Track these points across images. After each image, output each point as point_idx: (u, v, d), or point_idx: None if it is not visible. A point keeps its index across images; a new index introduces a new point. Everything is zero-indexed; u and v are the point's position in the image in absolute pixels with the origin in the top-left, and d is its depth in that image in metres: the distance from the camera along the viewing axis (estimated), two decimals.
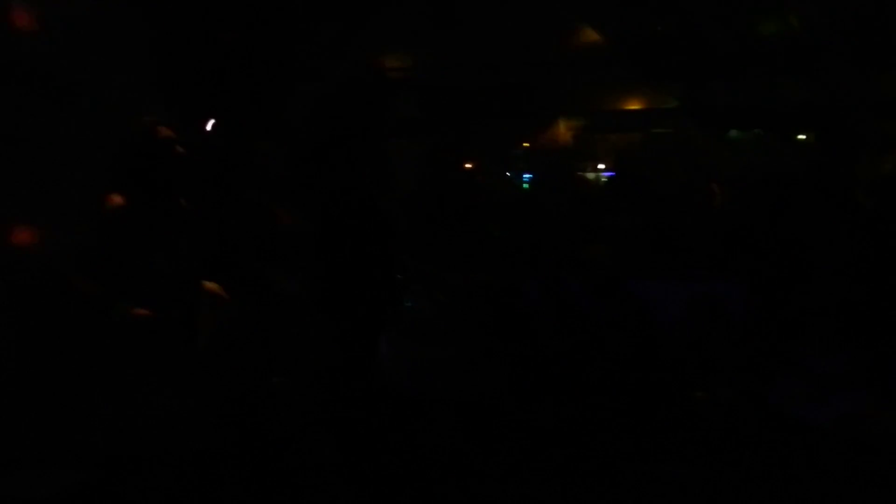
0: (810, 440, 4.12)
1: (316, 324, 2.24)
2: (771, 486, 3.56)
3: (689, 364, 4.92)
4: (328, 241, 2.06)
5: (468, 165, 8.27)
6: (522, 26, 6.37)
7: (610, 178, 7.99)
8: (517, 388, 4.84)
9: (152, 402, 2.51)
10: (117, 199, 2.33)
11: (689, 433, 4.27)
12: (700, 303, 5.06)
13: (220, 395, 3.41)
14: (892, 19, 6.03)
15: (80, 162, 4.37)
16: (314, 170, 2.10)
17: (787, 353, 4.71)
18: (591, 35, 6.42)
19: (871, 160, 6.10)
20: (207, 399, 3.74)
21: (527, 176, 7.35)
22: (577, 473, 3.76)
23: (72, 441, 2.81)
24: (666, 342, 5.09)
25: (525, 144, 7.44)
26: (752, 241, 5.64)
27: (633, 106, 7.05)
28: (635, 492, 3.56)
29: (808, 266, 5.27)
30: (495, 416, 4.48)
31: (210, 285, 2.58)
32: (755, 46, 6.22)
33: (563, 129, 6.93)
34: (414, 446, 3.16)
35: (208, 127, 4.34)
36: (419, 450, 3.41)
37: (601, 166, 8.22)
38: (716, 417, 4.48)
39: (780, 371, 4.61)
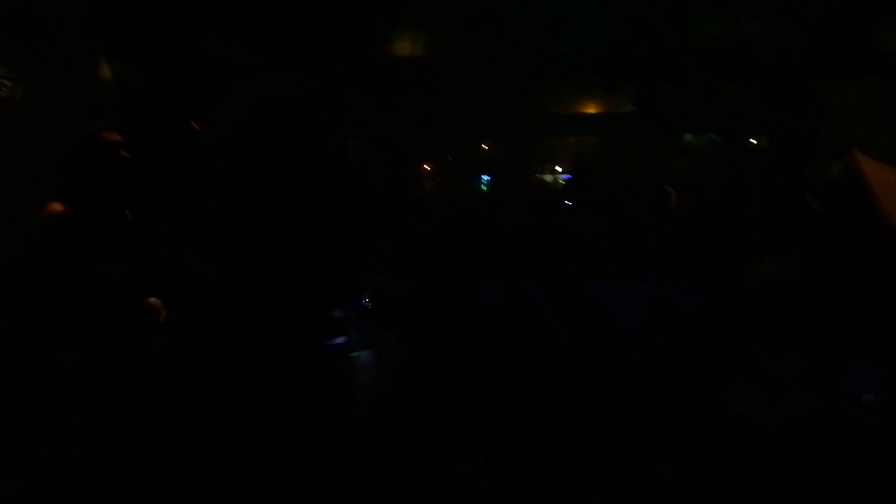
0: (760, 441, 4.19)
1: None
2: (721, 487, 3.60)
3: (644, 365, 4.96)
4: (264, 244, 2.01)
5: (427, 167, 8.29)
6: (479, 28, 6.40)
7: (567, 180, 8.06)
8: (473, 391, 4.84)
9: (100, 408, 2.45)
10: (56, 208, 2.26)
11: (642, 434, 4.30)
12: (654, 304, 5.10)
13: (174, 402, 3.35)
14: (839, 28, 6.17)
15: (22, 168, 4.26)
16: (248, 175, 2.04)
17: (738, 354, 4.77)
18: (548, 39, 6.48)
19: (819, 165, 6.23)
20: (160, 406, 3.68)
21: (485, 178, 7.37)
22: (532, 474, 3.77)
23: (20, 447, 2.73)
24: (622, 343, 5.13)
25: (483, 147, 7.46)
26: (705, 243, 5.72)
27: (590, 110, 7.11)
28: (586, 492, 3.58)
29: (757, 267, 5.36)
30: (449, 419, 4.47)
31: (152, 301, 2.52)
32: (709, 52, 6.33)
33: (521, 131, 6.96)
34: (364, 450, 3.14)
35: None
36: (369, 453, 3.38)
37: (559, 169, 8.28)
38: (669, 418, 4.52)
39: (732, 372, 4.67)
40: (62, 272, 2.29)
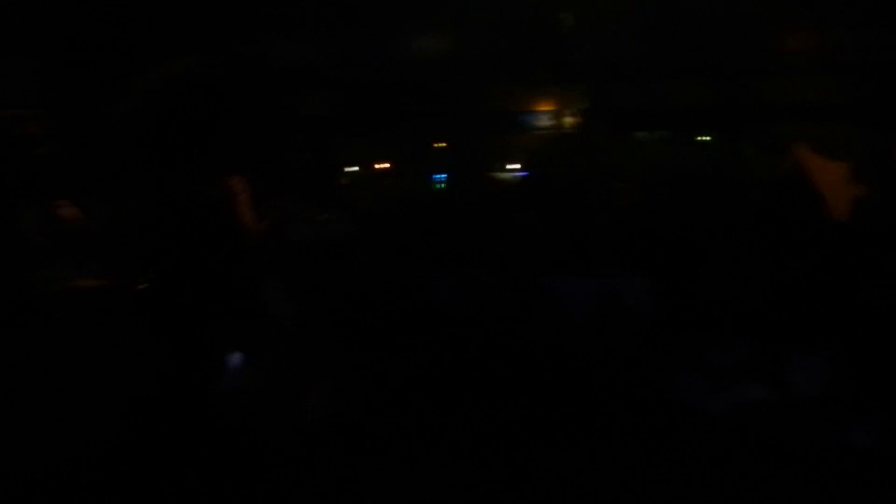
0: (709, 431, 4.25)
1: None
2: (669, 476, 3.65)
3: (596, 358, 5.01)
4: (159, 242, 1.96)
5: (386, 164, 8.27)
6: (431, 24, 6.40)
7: (522, 177, 8.09)
8: (428, 386, 4.84)
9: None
10: None
11: (595, 426, 4.34)
12: (605, 298, 5.16)
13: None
14: (789, 25, 6.29)
15: None
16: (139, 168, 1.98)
17: (687, 345, 4.84)
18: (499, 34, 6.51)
19: (767, 161, 6.34)
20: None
21: (439, 176, 7.37)
22: (488, 468, 3.79)
23: None
24: (574, 336, 5.17)
25: (439, 144, 7.45)
26: (655, 238, 5.78)
27: (544, 107, 7.15)
28: (541, 485, 3.60)
29: (708, 261, 5.44)
30: (406, 416, 4.47)
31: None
32: (660, 49, 6.41)
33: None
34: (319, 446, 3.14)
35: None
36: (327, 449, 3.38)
37: (515, 166, 8.30)
38: (618, 409, 4.57)
39: (681, 363, 4.73)
40: None
